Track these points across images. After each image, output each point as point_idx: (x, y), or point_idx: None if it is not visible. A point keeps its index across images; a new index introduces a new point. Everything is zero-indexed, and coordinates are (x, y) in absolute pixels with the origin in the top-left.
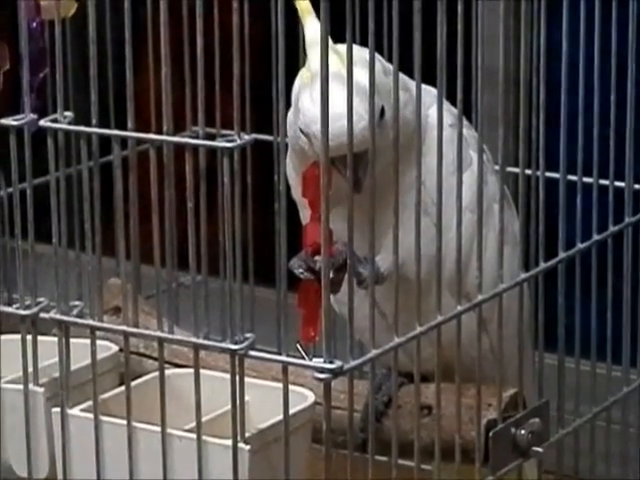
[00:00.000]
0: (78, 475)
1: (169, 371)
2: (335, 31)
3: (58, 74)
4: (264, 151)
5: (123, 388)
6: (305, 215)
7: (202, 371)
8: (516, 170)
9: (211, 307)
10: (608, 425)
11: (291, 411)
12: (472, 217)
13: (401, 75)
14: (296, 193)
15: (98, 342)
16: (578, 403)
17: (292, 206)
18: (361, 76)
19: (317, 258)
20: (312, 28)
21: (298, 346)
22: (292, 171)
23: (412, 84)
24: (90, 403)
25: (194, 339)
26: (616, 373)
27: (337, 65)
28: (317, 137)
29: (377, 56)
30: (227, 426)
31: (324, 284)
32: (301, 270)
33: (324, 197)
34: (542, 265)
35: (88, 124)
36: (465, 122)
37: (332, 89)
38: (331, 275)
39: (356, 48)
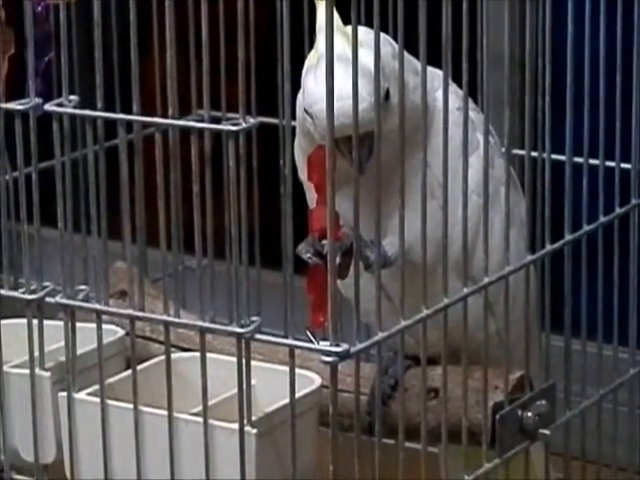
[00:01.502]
0: (85, 459)
1: (175, 355)
2: (344, 12)
3: (63, 58)
4: (269, 134)
5: (129, 372)
6: (312, 197)
7: (208, 355)
8: (522, 152)
9: (217, 291)
10: (615, 407)
11: (298, 394)
12: (479, 200)
13: (411, 59)
14: (303, 175)
15: (104, 326)
16: (585, 385)
17: (298, 189)
18: (367, 58)
19: (324, 242)
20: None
21: (307, 332)
22: (300, 153)
23: None
24: (96, 387)
25: (200, 323)
26: (622, 355)
27: (343, 47)
28: (319, 117)
29: (388, 39)
30: (233, 410)
31: (330, 268)
32: (309, 255)
33: (329, 179)
34: (548, 247)
35: (93, 108)
36: (473, 105)
37: (336, 70)
38: (339, 260)
39: (367, 30)
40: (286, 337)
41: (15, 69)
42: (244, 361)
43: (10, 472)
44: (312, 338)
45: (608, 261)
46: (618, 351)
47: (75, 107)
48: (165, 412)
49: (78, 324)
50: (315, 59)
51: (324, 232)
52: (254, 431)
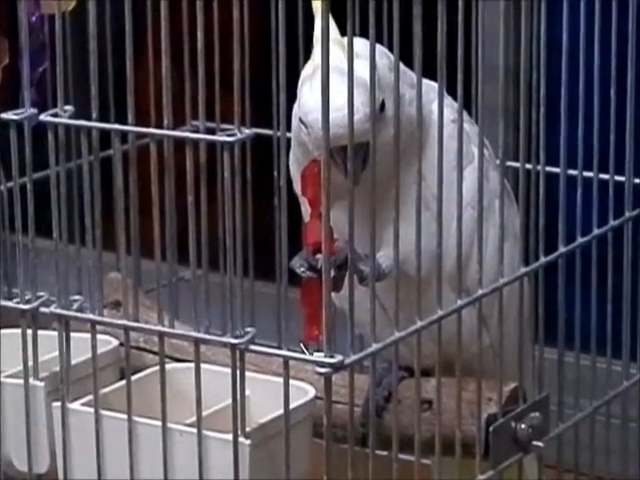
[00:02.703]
0: (78, 469)
1: (169, 365)
2: (339, 24)
3: (58, 68)
4: (263, 146)
5: (123, 382)
6: (307, 210)
7: (202, 365)
8: (516, 164)
9: (211, 302)
10: (608, 419)
11: (292, 405)
12: (473, 213)
13: (409, 72)
14: (299, 187)
15: (98, 336)
16: (578, 397)
17: (292, 201)
18: (363, 69)
19: (319, 256)
20: None
21: (301, 345)
22: (295, 164)
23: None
24: (90, 397)
25: (195, 333)
26: (616, 367)
27: (340, 58)
28: (313, 127)
29: (385, 51)
30: (227, 420)
31: (325, 282)
32: (303, 269)
33: (324, 190)
34: (542, 259)
35: (88, 118)
36: (468, 117)
37: (331, 81)
38: (333, 273)
39: (364, 42)
40: (280, 348)
41: (8, 79)
42: (238, 372)
43: None
44: (305, 350)
45: (602, 273)
46: (611, 363)
47: (70, 117)
48: (159, 423)
49: (72, 334)
50: (311, 70)
51: (318, 246)
52: (248, 442)
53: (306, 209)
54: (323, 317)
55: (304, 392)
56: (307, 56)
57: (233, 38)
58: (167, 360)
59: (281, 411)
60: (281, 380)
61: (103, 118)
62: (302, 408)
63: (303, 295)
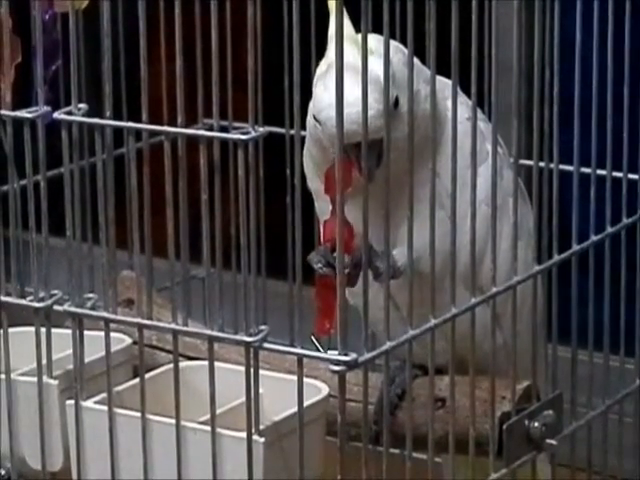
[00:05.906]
0: (92, 467)
1: (182, 363)
2: (354, 21)
3: (72, 66)
4: (274, 144)
5: (137, 380)
6: (321, 206)
7: (215, 363)
8: (529, 162)
9: (223, 300)
10: (620, 418)
11: (305, 403)
12: (488, 210)
13: (423, 68)
14: (312, 184)
15: (111, 334)
16: (591, 396)
17: (304, 199)
18: (377, 66)
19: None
20: None
21: (313, 338)
22: (310, 161)
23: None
24: (104, 395)
25: (209, 331)
26: (629, 365)
27: (354, 55)
28: (326, 124)
29: (400, 47)
30: (241, 419)
31: (339, 279)
32: (320, 265)
33: (338, 187)
34: (556, 258)
35: (102, 116)
36: (483, 116)
37: (345, 78)
38: (348, 270)
39: (379, 38)
40: (293, 346)
41: (21, 78)
42: (252, 370)
43: None
44: (317, 344)
45: (615, 271)
46: (624, 362)
47: (84, 115)
48: (173, 420)
49: (85, 332)
50: (325, 67)
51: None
52: (262, 440)
53: (320, 206)
54: (337, 314)
55: (317, 390)
56: (319, 54)
57: (245, 36)
58: (180, 358)
59: (294, 409)
60: (294, 378)
61: (116, 116)
62: (315, 406)
63: (317, 289)
